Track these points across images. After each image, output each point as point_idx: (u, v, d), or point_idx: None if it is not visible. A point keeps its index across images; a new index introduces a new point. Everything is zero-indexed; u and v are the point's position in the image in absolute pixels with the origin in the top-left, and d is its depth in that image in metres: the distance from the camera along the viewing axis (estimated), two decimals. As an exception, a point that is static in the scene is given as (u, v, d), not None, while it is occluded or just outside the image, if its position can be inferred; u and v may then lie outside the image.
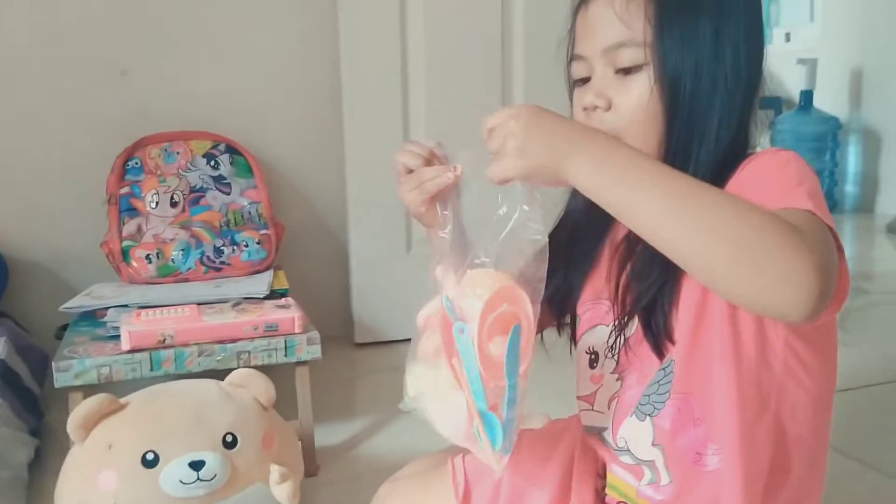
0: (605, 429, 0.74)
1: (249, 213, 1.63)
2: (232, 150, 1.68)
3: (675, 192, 0.57)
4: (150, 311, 1.21)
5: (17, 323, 1.56)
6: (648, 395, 0.69)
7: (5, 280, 1.62)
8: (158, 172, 1.60)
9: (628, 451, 0.71)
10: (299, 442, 1.04)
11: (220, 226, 1.59)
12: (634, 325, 0.70)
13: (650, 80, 0.67)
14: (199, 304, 1.26)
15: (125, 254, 1.51)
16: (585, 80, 0.72)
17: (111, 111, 1.70)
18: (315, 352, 1.21)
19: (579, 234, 0.78)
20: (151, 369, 1.13)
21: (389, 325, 1.84)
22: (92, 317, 1.33)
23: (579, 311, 0.79)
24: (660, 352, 0.68)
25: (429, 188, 0.70)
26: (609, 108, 0.69)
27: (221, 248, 1.56)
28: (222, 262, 1.55)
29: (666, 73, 0.67)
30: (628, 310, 0.70)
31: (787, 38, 4.10)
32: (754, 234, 0.54)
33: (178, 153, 1.63)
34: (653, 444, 0.69)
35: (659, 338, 0.67)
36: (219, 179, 1.64)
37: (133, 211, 1.55)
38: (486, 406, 0.62)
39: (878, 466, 1.22)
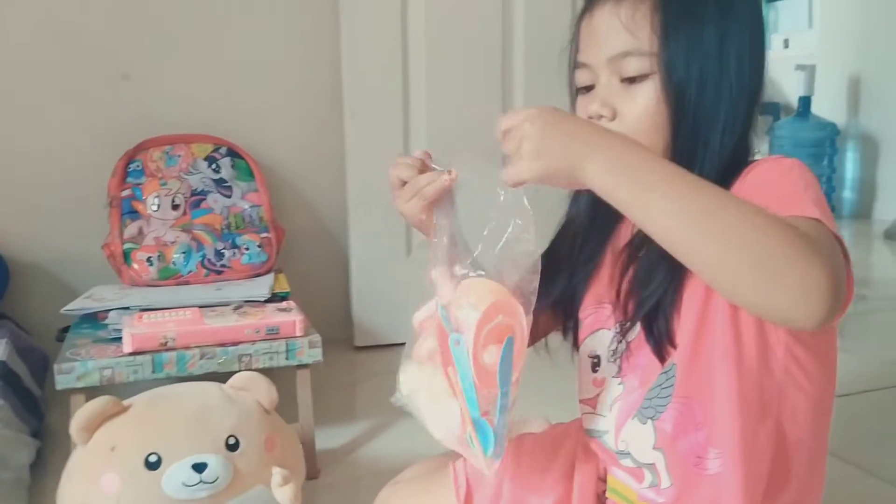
0: (607, 432, 0.74)
1: (250, 216, 1.63)
2: (233, 153, 1.69)
3: (696, 197, 0.56)
4: (152, 313, 1.21)
5: (17, 324, 1.56)
6: (650, 399, 0.69)
7: (6, 282, 1.62)
8: (160, 175, 1.60)
9: (629, 454, 0.72)
10: (300, 445, 1.04)
11: (221, 229, 1.59)
12: (636, 330, 0.71)
13: (656, 90, 0.68)
14: (200, 306, 1.26)
15: (126, 256, 1.51)
16: (589, 88, 0.72)
17: (113, 114, 1.70)
18: (316, 355, 1.21)
19: (582, 239, 0.79)
20: (153, 372, 1.14)
21: (389, 329, 1.84)
22: (93, 319, 1.33)
23: (581, 315, 0.80)
24: (661, 356, 0.68)
25: (427, 193, 0.70)
26: (614, 116, 0.69)
27: (222, 251, 1.56)
28: (223, 265, 1.55)
29: (672, 82, 0.67)
30: (630, 315, 0.70)
31: (786, 44, 4.12)
32: (774, 244, 0.54)
33: (179, 156, 1.63)
34: (654, 448, 0.69)
35: (660, 342, 0.68)
36: (220, 182, 1.64)
37: (134, 213, 1.56)
38: (478, 413, 0.63)
39: (877, 472, 1.23)
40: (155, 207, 1.56)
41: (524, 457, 0.79)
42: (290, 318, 1.22)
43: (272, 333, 1.19)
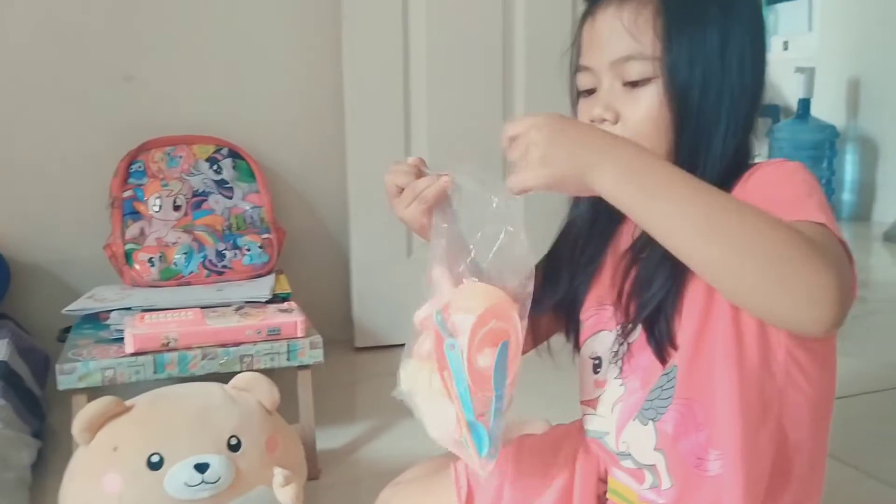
0: (608, 433, 0.75)
1: (251, 217, 1.64)
2: (234, 154, 1.69)
3: (706, 204, 0.57)
4: (154, 314, 1.21)
5: (18, 325, 1.56)
6: (651, 400, 0.69)
7: (7, 282, 1.62)
8: (161, 176, 1.61)
9: (630, 455, 0.72)
10: (302, 445, 1.04)
11: (223, 230, 1.59)
12: (638, 331, 0.71)
13: (659, 93, 0.68)
14: (201, 307, 1.27)
15: (128, 257, 1.51)
16: (591, 92, 0.72)
17: (115, 115, 1.71)
18: (317, 356, 1.22)
19: (583, 241, 0.79)
20: (155, 372, 1.14)
21: (390, 330, 1.85)
22: (95, 319, 1.33)
23: (582, 316, 0.80)
24: (662, 358, 0.69)
25: (428, 195, 0.70)
26: (617, 120, 0.70)
27: (223, 251, 1.56)
28: (224, 266, 1.56)
29: (675, 86, 0.67)
30: (632, 317, 0.71)
31: (786, 46, 4.13)
32: (782, 250, 0.54)
33: (180, 157, 1.64)
34: (655, 449, 0.69)
35: (662, 344, 0.68)
36: (221, 184, 1.65)
37: (136, 214, 1.56)
38: (473, 416, 0.65)
39: (876, 474, 1.23)
40: (156, 208, 1.57)
41: (525, 458, 0.79)
42: (291, 318, 1.22)
43: (273, 334, 1.20)
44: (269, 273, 1.59)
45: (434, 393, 0.67)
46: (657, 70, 0.68)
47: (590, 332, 0.78)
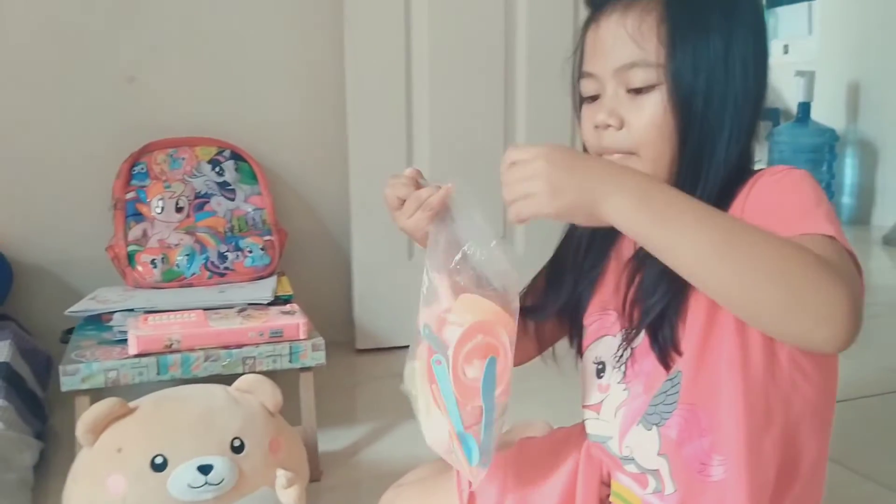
0: (611, 437, 0.75)
1: (253, 219, 1.64)
2: (236, 156, 1.70)
3: (717, 230, 0.57)
4: (157, 315, 1.22)
5: (20, 326, 1.57)
6: (655, 406, 0.70)
7: (9, 283, 1.63)
8: (164, 178, 1.61)
9: (633, 459, 0.72)
10: (304, 447, 1.05)
11: (225, 231, 1.60)
12: (641, 337, 0.71)
13: (663, 100, 0.68)
14: (204, 309, 1.27)
15: (130, 258, 1.52)
16: (594, 98, 0.73)
17: (118, 117, 1.71)
18: (319, 358, 1.22)
19: (585, 246, 0.79)
20: (158, 373, 1.14)
21: (391, 332, 1.85)
22: (97, 321, 1.34)
23: (586, 321, 0.80)
24: (666, 364, 0.69)
25: (433, 203, 0.71)
26: (621, 126, 0.70)
27: (225, 253, 1.57)
28: (226, 268, 1.56)
29: (679, 93, 0.68)
30: (636, 324, 0.71)
31: (786, 50, 4.13)
32: (795, 273, 0.54)
33: (183, 159, 1.64)
34: (658, 454, 0.70)
35: (665, 350, 0.68)
36: (223, 185, 1.65)
37: (139, 216, 1.57)
38: (462, 427, 0.66)
39: (875, 477, 1.24)
40: (159, 210, 1.57)
41: (527, 461, 0.80)
42: (293, 321, 1.22)
43: (276, 336, 1.20)
44: (270, 275, 1.59)
45: (429, 401, 0.68)
46: (661, 77, 0.68)
47: (593, 336, 0.79)
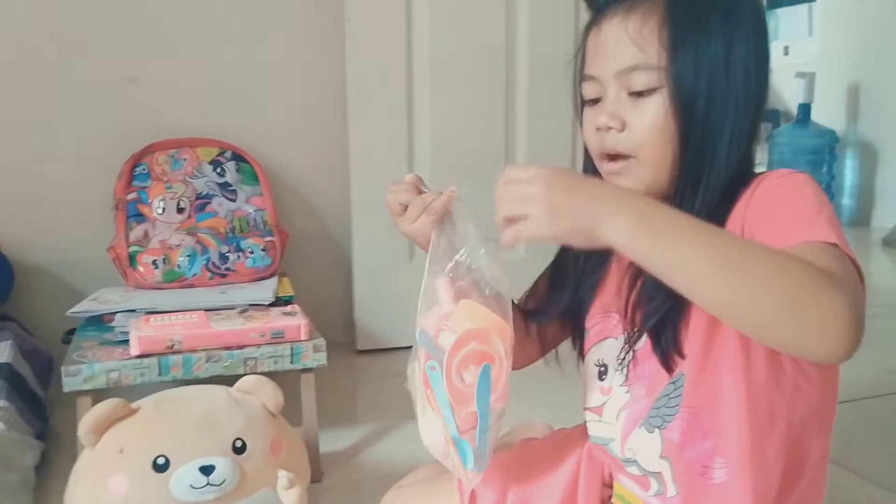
0: (613, 440, 0.75)
1: (255, 220, 1.64)
2: (238, 157, 1.70)
3: (716, 248, 0.57)
4: (159, 316, 1.22)
5: (21, 326, 1.57)
6: (658, 408, 0.70)
7: (11, 284, 1.63)
8: (165, 179, 1.61)
9: (636, 462, 0.72)
10: (305, 448, 1.05)
11: (226, 232, 1.60)
12: (644, 339, 0.71)
13: (664, 103, 0.68)
14: (205, 310, 1.27)
15: (132, 259, 1.52)
16: (596, 100, 0.73)
17: (119, 117, 1.71)
18: (321, 359, 1.22)
19: (587, 249, 0.80)
20: (159, 374, 1.14)
21: (391, 333, 1.85)
22: (99, 321, 1.34)
23: (588, 324, 0.80)
24: (668, 367, 0.69)
25: (437, 206, 0.71)
26: (623, 128, 0.70)
27: (227, 254, 1.57)
28: (227, 269, 1.56)
29: (680, 96, 0.68)
30: (638, 327, 0.71)
31: (786, 51, 4.14)
32: (796, 287, 0.54)
33: (184, 160, 1.65)
34: (661, 457, 0.70)
35: (667, 353, 0.68)
36: (225, 186, 1.65)
37: (140, 217, 1.57)
38: (457, 432, 0.67)
39: (874, 478, 1.24)
40: (160, 211, 1.57)
41: (528, 462, 0.80)
42: (294, 322, 1.22)
43: (277, 337, 1.20)
44: (271, 276, 1.59)
45: (425, 405, 0.69)
46: (663, 80, 0.68)
47: (595, 339, 0.79)
